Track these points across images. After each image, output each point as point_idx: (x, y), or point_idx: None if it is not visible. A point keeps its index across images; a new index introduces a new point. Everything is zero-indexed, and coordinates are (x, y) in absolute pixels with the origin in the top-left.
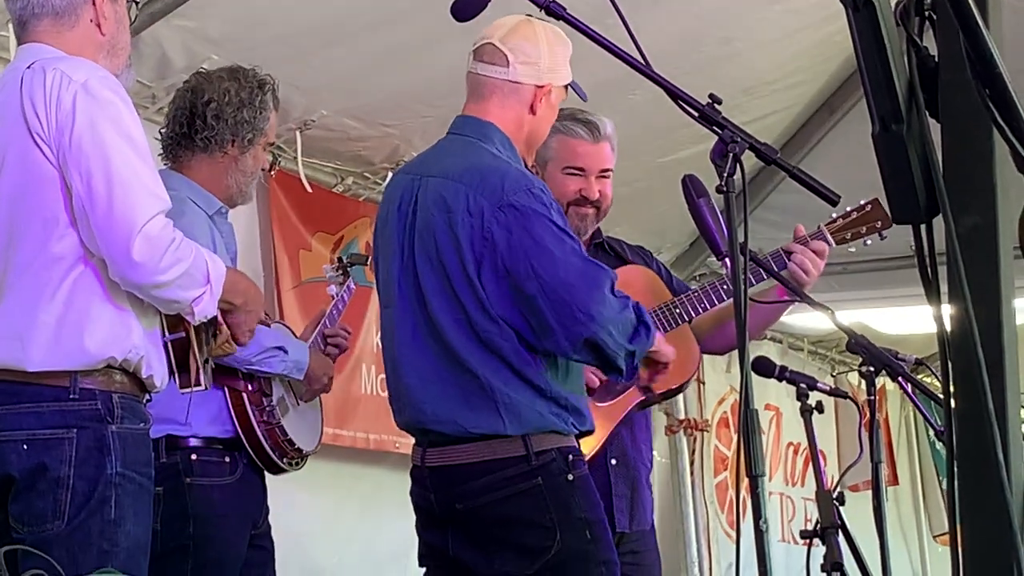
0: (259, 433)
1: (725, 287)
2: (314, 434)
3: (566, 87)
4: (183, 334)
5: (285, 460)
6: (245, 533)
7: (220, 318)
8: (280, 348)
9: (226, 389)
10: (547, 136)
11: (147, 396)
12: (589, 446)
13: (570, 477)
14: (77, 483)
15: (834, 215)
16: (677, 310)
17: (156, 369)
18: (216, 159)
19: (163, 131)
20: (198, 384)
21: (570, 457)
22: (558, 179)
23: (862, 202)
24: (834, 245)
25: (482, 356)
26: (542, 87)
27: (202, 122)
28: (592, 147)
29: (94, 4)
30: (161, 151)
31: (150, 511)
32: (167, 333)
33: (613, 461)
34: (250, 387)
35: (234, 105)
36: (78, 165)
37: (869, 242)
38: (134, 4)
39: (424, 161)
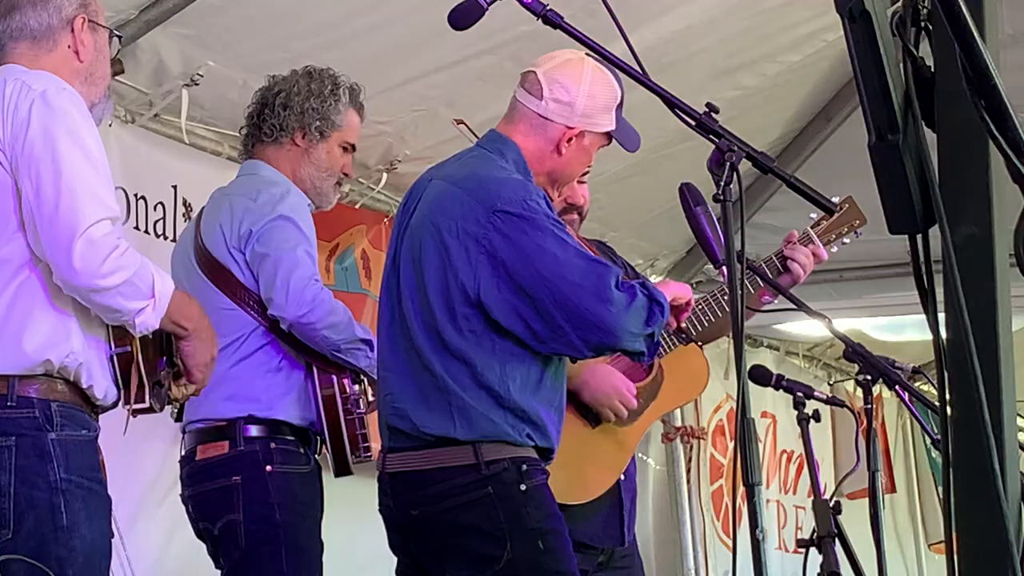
0: (343, 422)
1: (726, 297)
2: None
3: (608, 136)
4: (128, 348)
5: (354, 457)
6: (319, 527)
7: (178, 351)
8: (368, 343)
9: (315, 371)
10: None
11: (91, 409)
12: (613, 470)
13: (523, 487)
14: (19, 491)
15: (814, 216)
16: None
17: (97, 380)
18: (284, 147)
19: (241, 129)
20: (141, 401)
21: (524, 467)
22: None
23: (836, 201)
24: (823, 249)
25: (444, 358)
26: (571, 128)
27: (270, 111)
28: None
29: (72, 31)
30: (240, 152)
31: (105, 515)
32: (113, 345)
33: (622, 478)
34: (342, 373)
35: (303, 95)
36: (28, 169)
37: (847, 241)
38: (116, 38)
39: (442, 165)
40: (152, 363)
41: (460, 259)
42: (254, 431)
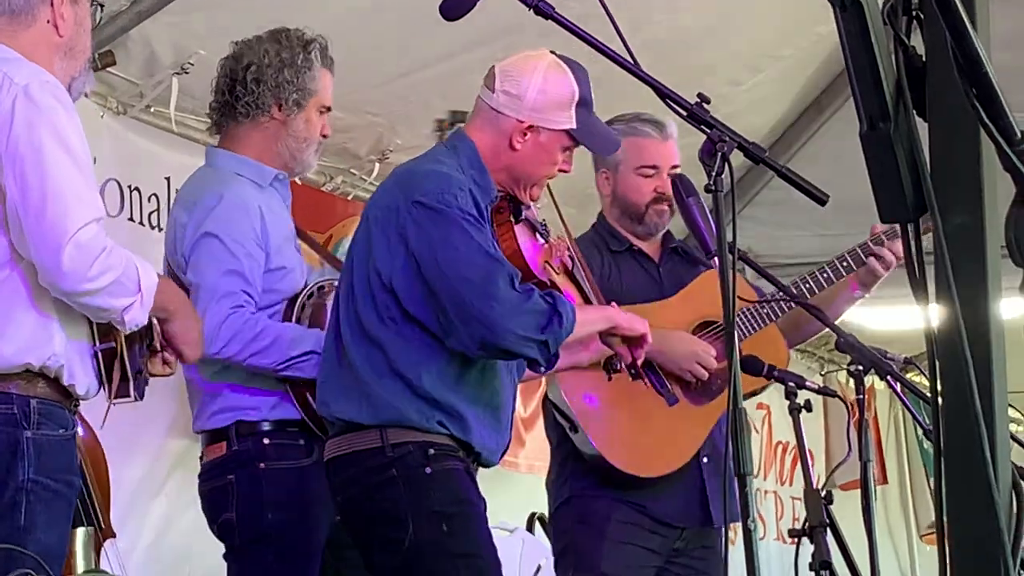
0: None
1: (807, 285)
2: None
3: (571, 136)
4: (113, 344)
5: None
6: (326, 519)
7: (159, 333)
8: (312, 352)
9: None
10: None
11: (71, 403)
12: (688, 448)
13: (428, 470)
14: None
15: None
16: (764, 310)
17: (79, 379)
18: (262, 126)
19: (210, 103)
20: (126, 395)
21: (431, 451)
22: (632, 181)
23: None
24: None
25: (363, 344)
26: (521, 122)
27: (243, 88)
28: (662, 145)
29: (52, 5)
30: (209, 125)
31: (67, 519)
32: (98, 342)
33: (705, 459)
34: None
35: (275, 67)
36: (13, 169)
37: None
38: (99, 7)
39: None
40: (133, 353)
41: (381, 246)
42: (246, 430)
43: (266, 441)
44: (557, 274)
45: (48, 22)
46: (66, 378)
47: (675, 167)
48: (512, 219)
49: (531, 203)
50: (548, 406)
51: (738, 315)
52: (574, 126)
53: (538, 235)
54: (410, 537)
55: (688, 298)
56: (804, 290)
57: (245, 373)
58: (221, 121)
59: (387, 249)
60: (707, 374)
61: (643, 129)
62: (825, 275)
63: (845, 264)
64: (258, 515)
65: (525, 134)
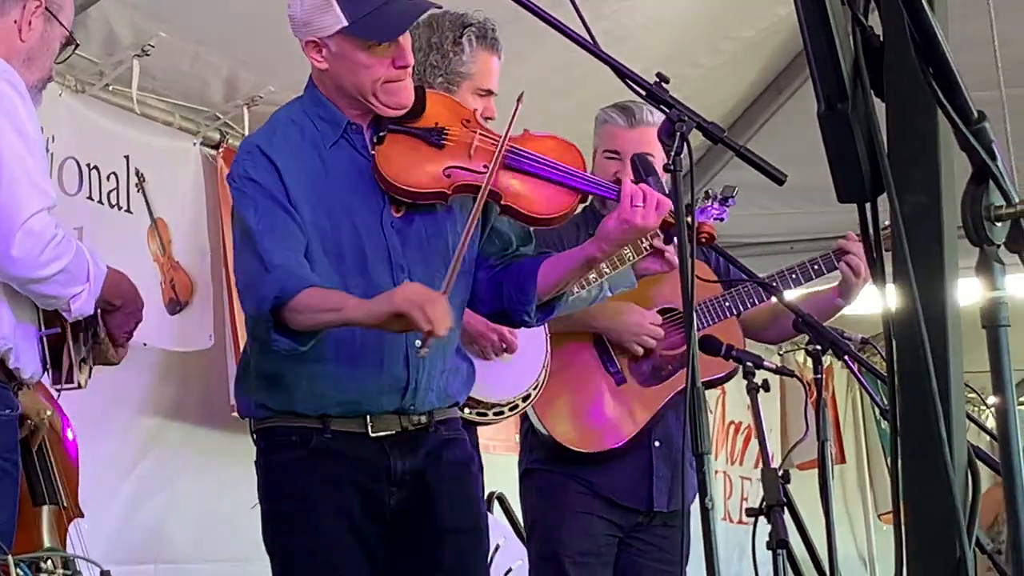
0: None
1: (774, 283)
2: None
3: (352, 35)
4: (58, 329)
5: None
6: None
7: (101, 322)
8: None
9: None
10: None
11: (15, 385)
12: (632, 426)
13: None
14: None
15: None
16: (727, 303)
17: (24, 362)
18: None
19: None
20: (70, 381)
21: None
22: (600, 164)
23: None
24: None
25: None
26: (307, 42)
27: None
28: (627, 131)
29: (24, 8)
30: None
31: (14, 496)
32: (43, 327)
33: (657, 443)
34: None
35: (423, 51)
36: None
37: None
38: (73, 47)
39: None
40: (79, 341)
41: None
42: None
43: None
44: (486, 172)
45: (15, 22)
46: (12, 362)
47: (645, 154)
48: (376, 141)
49: (400, 109)
50: None
51: (698, 306)
52: (345, 23)
53: (430, 143)
54: None
55: (650, 283)
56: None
57: None
58: None
59: None
60: (653, 343)
61: (612, 116)
62: (794, 276)
63: (816, 267)
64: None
65: (320, 52)
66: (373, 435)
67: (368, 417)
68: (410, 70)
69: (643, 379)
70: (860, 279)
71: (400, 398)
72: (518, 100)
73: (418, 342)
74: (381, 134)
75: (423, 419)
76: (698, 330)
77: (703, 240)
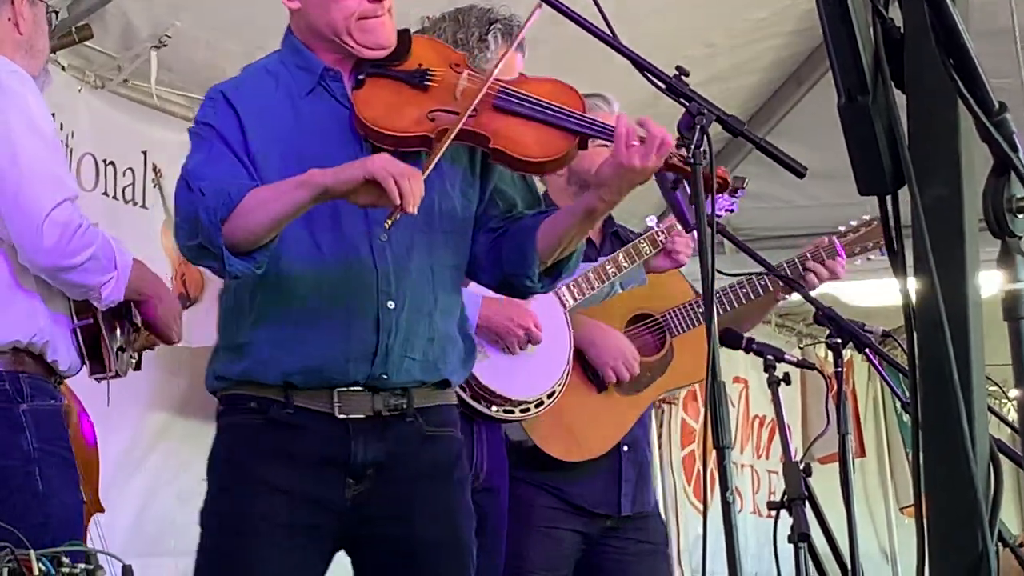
0: None
1: (746, 288)
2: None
3: None
4: (90, 320)
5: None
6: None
7: (136, 310)
8: None
9: None
10: None
11: (55, 379)
12: (612, 435)
13: None
14: None
15: (843, 228)
16: (701, 309)
17: (61, 355)
18: None
19: None
20: (109, 371)
21: None
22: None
23: (867, 218)
24: (845, 258)
25: None
26: None
27: None
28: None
29: (12, 4)
30: None
31: (77, 482)
32: (75, 319)
33: (625, 448)
34: None
35: (448, 44)
36: None
37: (872, 257)
38: (54, 14)
39: None
40: (112, 330)
41: None
42: None
43: None
44: (470, 115)
45: (9, 19)
46: (50, 354)
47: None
48: (355, 86)
49: (379, 50)
50: None
51: (673, 310)
52: None
53: (413, 85)
54: None
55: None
56: (739, 295)
57: None
58: None
59: None
60: (627, 376)
61: (598, 105)
62: (763, 282)
63: (783, 274)
64: None
65: None
66: (340, 416)
67: (335, 393)
68: (387, 5)
69: (623, 388)
70: (819, 283)
71: (370, 364)
72: (536, 7)
73: (388, 221)
74: (360, 78)
75: (402, 403)
76: (672, 336)
77: (719, 184)
